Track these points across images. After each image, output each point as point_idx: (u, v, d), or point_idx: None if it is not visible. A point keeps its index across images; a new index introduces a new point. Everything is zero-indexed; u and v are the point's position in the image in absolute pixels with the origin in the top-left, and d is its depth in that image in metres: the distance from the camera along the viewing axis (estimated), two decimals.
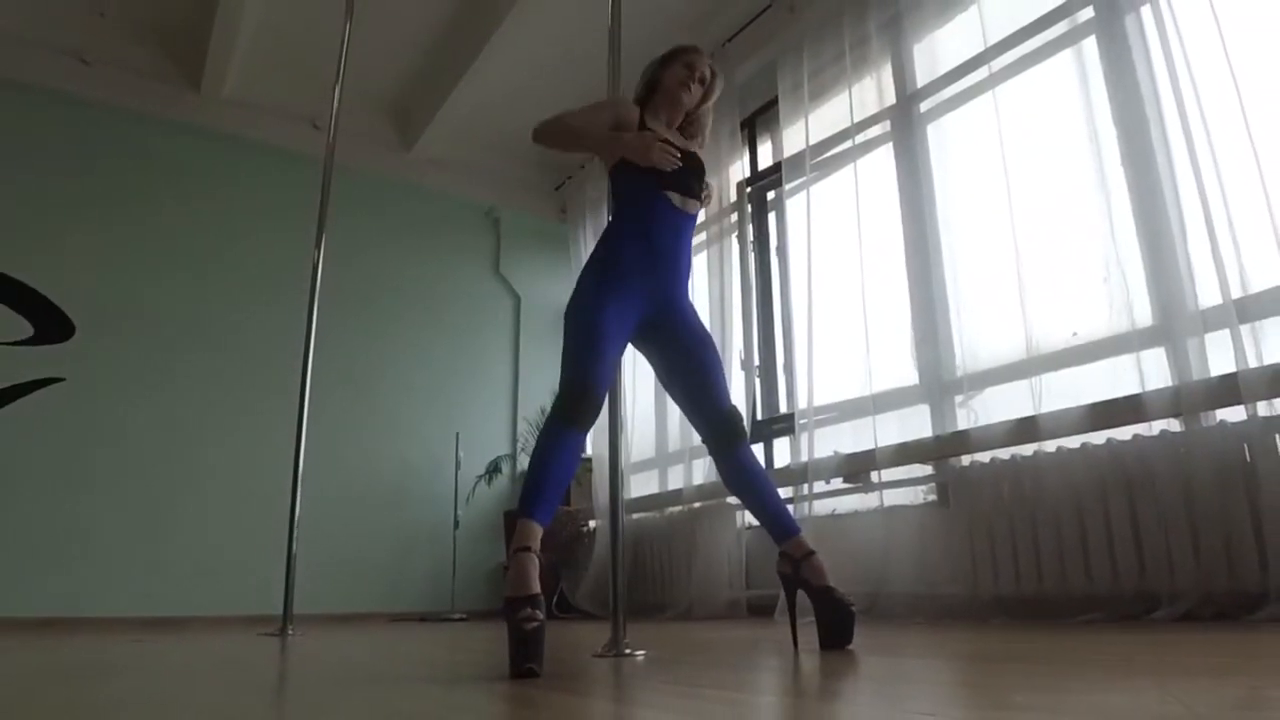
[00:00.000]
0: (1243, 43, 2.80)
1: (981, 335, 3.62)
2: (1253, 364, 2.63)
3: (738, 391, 4.86)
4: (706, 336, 2.42)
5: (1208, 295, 2.83)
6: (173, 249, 5.50)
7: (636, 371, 5.51)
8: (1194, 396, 2.78)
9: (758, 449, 4.86)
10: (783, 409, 4.83)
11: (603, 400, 2.22)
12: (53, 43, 5.32)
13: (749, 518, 4.67)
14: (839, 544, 3.85)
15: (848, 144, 4.29)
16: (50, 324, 5.06)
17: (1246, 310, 2.68)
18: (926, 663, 1.81)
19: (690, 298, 2.47)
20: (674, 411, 5.18)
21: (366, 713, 1.18)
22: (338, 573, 5.36)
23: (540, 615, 1.77)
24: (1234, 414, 2.70)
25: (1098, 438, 3.04)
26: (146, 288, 5.35)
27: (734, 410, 2.33)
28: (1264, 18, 2.93)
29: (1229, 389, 2.68)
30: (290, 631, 3.67)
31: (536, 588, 1.87)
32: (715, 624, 3.93)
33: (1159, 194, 3.05)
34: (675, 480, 5.07)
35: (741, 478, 2.29)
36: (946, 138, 4.04)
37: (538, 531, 1.97)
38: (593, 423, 2.18)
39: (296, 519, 3.93)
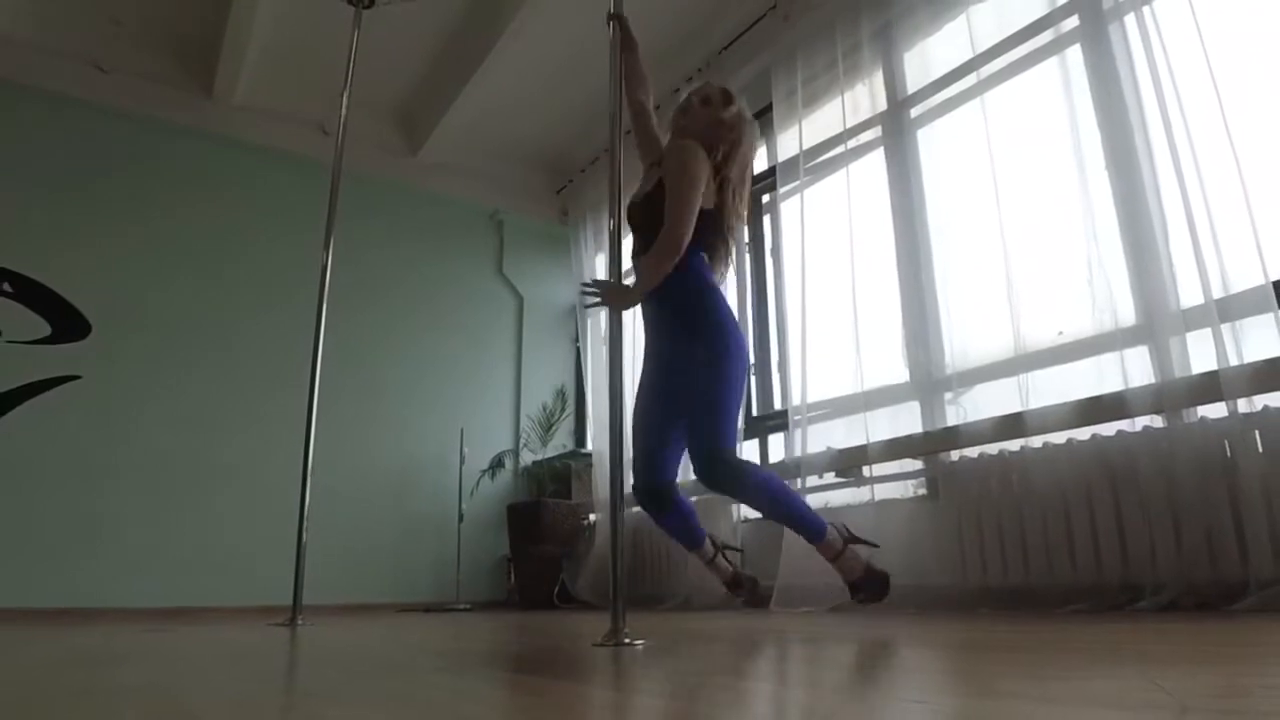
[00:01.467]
0: (1224, 51, 2.80)
1: (970, 334, 3.62)
2: (1233, 362, 2.63)
3: None
4: (670, 388, 2.57)
5: (1189, 295, 2.83)
6: (186, 250, 5.49)
7: (635, 370, 5.50)
8: (1176, 394, 2.78)
9: (753, 444, 4.86)
10: (777, 405, 4.83)
11: (651, 486, 2.51)
12: (71, 51, 5.32)
13: (745, 511, 4.67)
14: None
15: (840, 149, 4.29)
16: (67, 323, 5.06)
17: (1227, 309, 2.68)
18: (916, 651, 1.81)
19: (669, 341, 2.59)
20: None
21: (375, 699, 1.18)
22: (346, 564, 5.35)
23: None
24: (1215, 410, 2.70)
25: (1083, 433, 3.05)
26: (160, 288, 5.35)
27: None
28: (1245, 27, 2.94)
29: (1210, 386, 2.68)
30: (300, 621, 3.66)
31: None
32: (712, 614, 3.93)
33: (1142, 197, 3.04)
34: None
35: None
36: (936, 143, 4.04)
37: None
38: (656, 508, 2.51)
39: (306, 512, 3.92)
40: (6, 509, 4.62)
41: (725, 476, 2.43)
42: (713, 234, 2.58)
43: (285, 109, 5.99)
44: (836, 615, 3.38)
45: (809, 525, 2.45)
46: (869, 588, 2.48)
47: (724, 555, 2.72)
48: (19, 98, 5.16)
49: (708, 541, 2.69)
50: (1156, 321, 2.93)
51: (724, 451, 2.41)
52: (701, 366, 2.45)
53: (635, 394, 2.66)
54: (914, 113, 4.18)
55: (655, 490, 2.57)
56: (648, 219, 2.53)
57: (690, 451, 2.43)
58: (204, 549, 5.06)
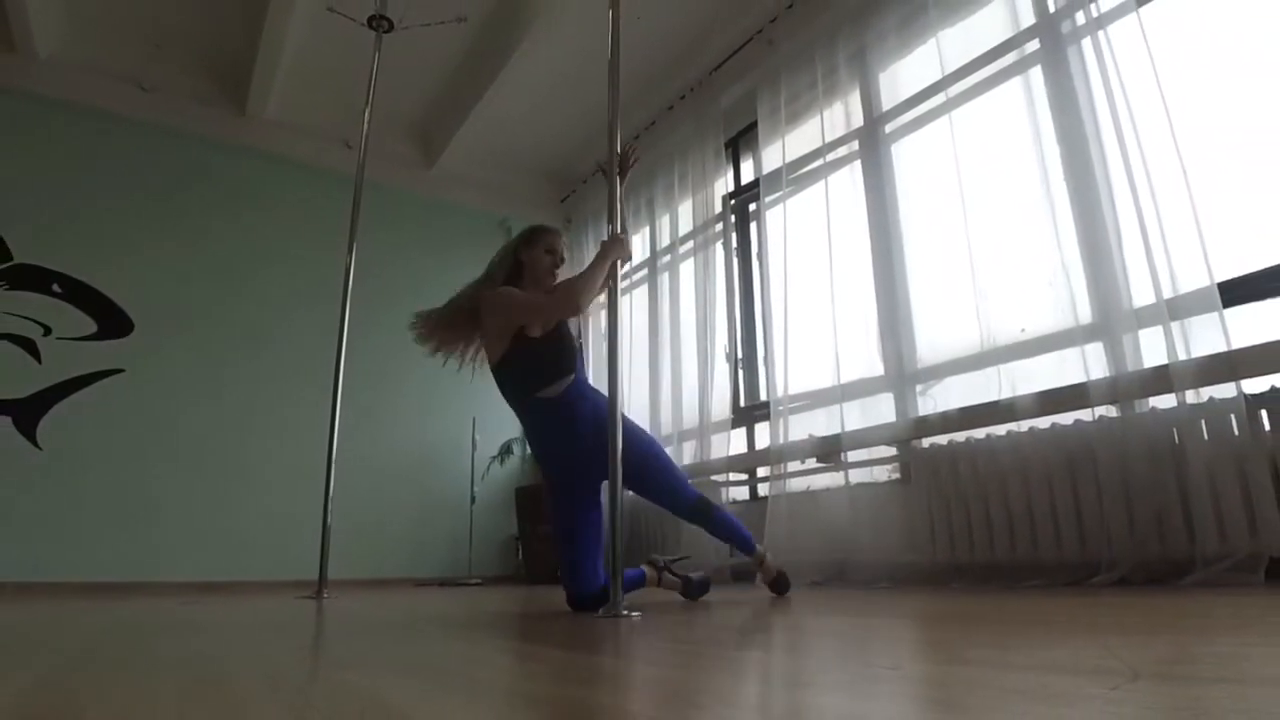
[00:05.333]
0: (1172, 71, 2.80)
1: (940, 331, 3.62)
2: (1182, 357, 2.63)
3: (724, 382, 4.86)
4: None
5: (1141, 295, 2.83)
6: (220, 254, 5.48)
7: (633, 362, 5.50)
8: (1129, 386, 2.78)
9: (741, 433, 4.86)
10: (763, 396, 4.83)
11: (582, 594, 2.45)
12: (114, 71, 5.31)
13: (733, 493, 4.67)
14: (813, 517, 3.85)
15: (819, 162, 4.28)
16: (111, 322, 5.05)
17: (1176, 309, 2.67)
18: (890, 622, 1.80)
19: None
20: (666, 398, 5.17)
21: (395, 666, 1.17)
22: (367, 542, 5.35)
23: None
24: (1165, 401, 2.70)
25: (1044, 422, 3.05)
26: (197, 288, 5.34)
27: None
28: (1191, 50, 2.94)
29: (1160, 379, 2.68)
30: (325, 595, 3.66)
31: None
32: None
33: (1098, 205, 3.04)
34: None
35: None
36: (909, 156, 4.03)
37: None
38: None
39: (330, 495, 3.92)
40: (55, 492, 4.62)
41: None
42: None
43: (312, 125, 5.97)
44: (816, 589, 3.38)
45: None
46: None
47: (669, 571, 2.86)
48: (68, 115, 5.15)
49: (650, 570, 2.83)
50: (1112, 319, 2.93)
51: None
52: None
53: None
54: (888, 128, 4.17)
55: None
56: None
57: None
58: (237, 529, 5.06)
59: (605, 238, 2.57)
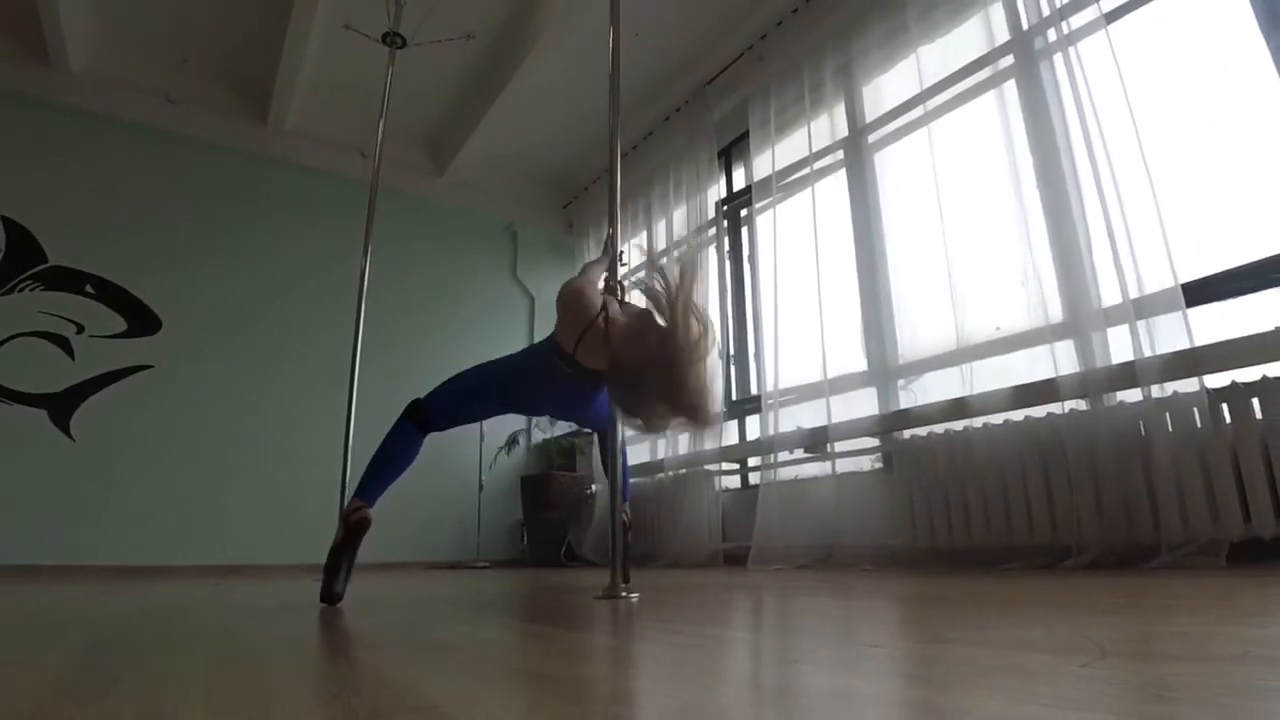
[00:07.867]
0: (1138, 84, 2.80)
1: (920, 329, 3.62)
2: (1147, 354, 2.63)
3: (717, 378, 4.85)
4: None
5: (1109, 295, 2.83)
6: (242, 256, 5.47)
7: None
8: (1098, 381, 2.78)
9: (732, 425, 4.86)
10: (753, 390, 4.82)
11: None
12: (143, 85, 5.29)
13: (725, 482, 4.67)
14: (801, 504, 3.85)
15: (807, 170, 4.28)
16: (141, 320, 5.04)
17: (1142, 308, 2.67)
18: (873, 603, 1.80)
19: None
20: None
21: (408, 645, 1.17)
22: (380, 527, 5.26)
23: None
24: (1131, 395, 2.70)
25: (1017, 415, 3.05)
26: (221, 289, 5.33)
27: None
28: (1156, 64, 2.94)
29: (1127, 374, 2.68)
30: None
31: None
32: (697, 571, 3.93)
33: (1068, 211, 3.04)
34: (663, 450, 5.07)
35: None
36: (891, 164, 4.03)
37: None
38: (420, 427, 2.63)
39: (347, 483, 3.91)
40: (88, 481, 4.61)
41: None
42: None
43: (329, 135, 5.96)
44: (804, 572, 3.38)
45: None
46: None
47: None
48: (99, 126, 5.13)
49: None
50: (1081, 318, 2.93)
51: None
52: None
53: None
54: (871, 138, 4.17)
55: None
56: None
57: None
58: (258, 515, 5.05)
59: (604, 238, 2.58)
